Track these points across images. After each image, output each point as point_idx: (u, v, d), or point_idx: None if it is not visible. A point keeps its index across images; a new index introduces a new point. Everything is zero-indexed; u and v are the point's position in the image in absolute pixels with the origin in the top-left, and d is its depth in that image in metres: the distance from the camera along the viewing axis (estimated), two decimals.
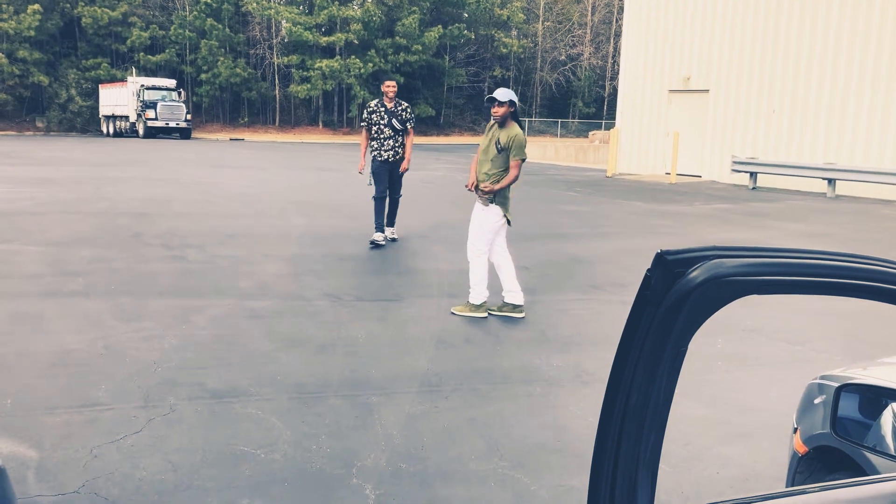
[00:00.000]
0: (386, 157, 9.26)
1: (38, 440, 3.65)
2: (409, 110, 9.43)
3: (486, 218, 6.16)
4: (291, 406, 4.20)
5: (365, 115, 9.39)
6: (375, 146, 9.30)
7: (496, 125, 6.21)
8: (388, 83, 9.34)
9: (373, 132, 9.29)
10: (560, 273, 8.12)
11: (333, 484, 3.34)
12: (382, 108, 9.24)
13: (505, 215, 6.19)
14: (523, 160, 6.14)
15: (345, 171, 21.36)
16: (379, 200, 9.34)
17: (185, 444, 3.67)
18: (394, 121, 9.21)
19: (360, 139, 9.43)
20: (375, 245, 9.20)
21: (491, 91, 55.54)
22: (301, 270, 7.82)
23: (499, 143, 6.08)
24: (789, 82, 19.53)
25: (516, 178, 6.13)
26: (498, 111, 6.09)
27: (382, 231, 9.33)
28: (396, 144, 9.29)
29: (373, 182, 9.39)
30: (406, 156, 9.37)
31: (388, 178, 9.37)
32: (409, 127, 9.37)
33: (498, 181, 6.08)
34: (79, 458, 3.48)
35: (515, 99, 6.19)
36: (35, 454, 3.51)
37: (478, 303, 6.16)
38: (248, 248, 8.92)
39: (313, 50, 48.87)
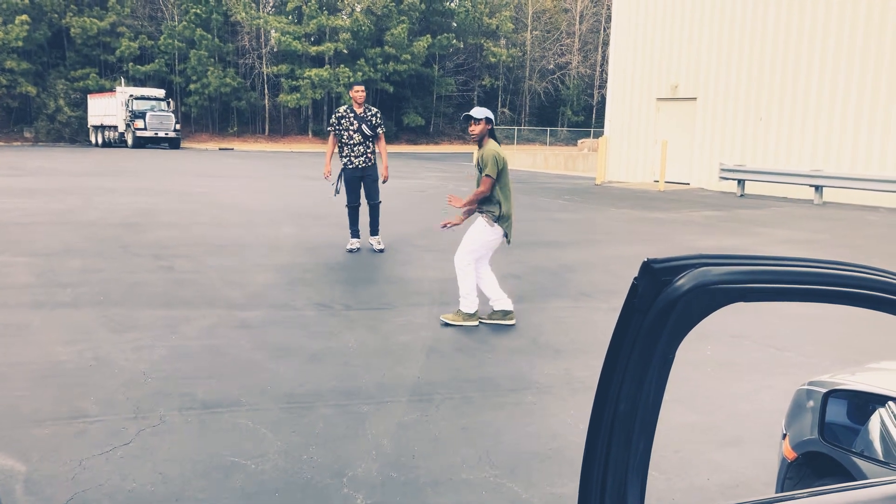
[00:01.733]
0: (357, 163, 9.17)
1: (27, 452, 3.63)
2: (378, 116, 9.32)
3: (484, 232, 6.10)
4: (282, 416, 4.19)
5: (332, 120, 9.24)
6: (346, 153, 9.17)
7: (477, 147, 6.25)
8: (356, 88, 9.15)
9: (343, 138, 9.15)
10: (550, 280, 8.13)
11: (324, 493, 3.33)
12: (352, 114, 9.10)
13: (505, 234, 6.16)
14: (490, 176, 6.01)
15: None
16: (352, 209, 9.41)
17: (175, 456, 3.65)
18: (363, 126, 9.08)
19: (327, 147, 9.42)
20: (351, 251, 9.42)
21: (480, 102, 55.87)
22: (291, 280, 7.80)
23: (479, 164, 6.10)
24: (776, 90, 19.68)
25: (483, 195, 6.05)
26: (474, 129, 6.07)
27: (358, 237, 9.51)
28: (367, 150, 9.19)
29: (340, 190, 9.41)
30: (384, 162, 9.29)
31: (360, 187, 9.33)
32: (379, 133, 9.26)
33: (477, 201, 6.09)
34: (68, 471, 3.46)
35: (492, 115, 6.17)
36: (23, 467, 3.48)
37: (470, 311, 6.14)
38: (238, 258, 8.90)
39: (302, 59, 48.91)
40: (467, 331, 6.03)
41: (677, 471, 3.65)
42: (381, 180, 9.44)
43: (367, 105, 9.24)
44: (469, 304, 6.13)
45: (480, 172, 6.08)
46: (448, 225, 6.33)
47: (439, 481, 3.48)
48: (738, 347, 5.74)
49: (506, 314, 6.20)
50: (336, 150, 9.36)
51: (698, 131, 21.77)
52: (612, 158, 23.98)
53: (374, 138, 9.25)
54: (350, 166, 9.22)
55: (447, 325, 6.14)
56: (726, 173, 19.47)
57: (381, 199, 9.60)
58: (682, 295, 1.01)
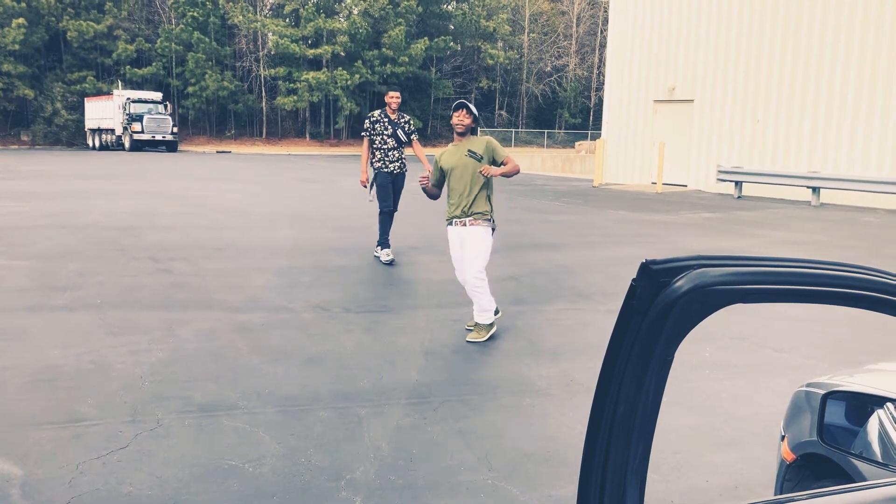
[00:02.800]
0: (391, 168, 9.01)
1: (24, 456, 3.62)
2: (410, 123, 9.24)
3: (486, 238, 5.83)
4: (279, 419, 4.18)
5: (367, 125, 9.06)
6: (379, 157, 8.98)
7: (455, 142, 5.91)
8: (391, 94, 9.01)
9: (376, 143, 8.98)
10: (548, 282, 8.13)
11: (322, 497, 3.32)
12: (386, 119, 8.97)
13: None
14: (510, 157, 5.90)
15: (332, 183, 21.34)
16: (388, 215, 9.06)
17: (172, 459, 3.64)
18: (398, 132, 8.97)
19: (360, 150, 9.23)
20: (390, 263, 8.91)
21: (477, 104, 55.74)
22: (289, 282, 7.79)
23: (472, 153, 5.78)
24: (773, 91, 19.72)
25: (517, 169, 5.87)
26: (466, 120, 5.78)
27: (389, 246, 9.08)
28: (401, 156, 9.08)
29: (375, 197, 9.09)
30: (426, 165, 9.14)
31: (393, 191, 9.12)
32: (413, 139, 9.19)
33: (488, 191, 5.86)
34: (65, 475, 3.44)
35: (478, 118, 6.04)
36: (20, 471, 3.47)
37: (490, 322, 5.89)
38: (236, 261, 8.88)
39: (300, 62, 48.92)
40: (465, 333, 6.02)
41: (676, 472, 3.64)
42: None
43: (399, 112, 9.12)
44: (489, 315, 5.86)
45: (477, 158, 5.77)
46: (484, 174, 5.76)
47: (438, 484, 3.48)
48: (737, 349, 5.74)
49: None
50: (369, 155, 9.13)
51: (695, 133, 21.80)
52: (610, 160, 24.01)
53: (407, 145, 9.16)
54: (385, 170, 9.00)
55: (474, 342, 5.79)
56: (724, 175, 19.50)
57: (397, 207, 9.30)
58: (680, 296, 1.01)
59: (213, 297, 7.08)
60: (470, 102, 6.07)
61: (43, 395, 4.44)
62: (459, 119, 5.81)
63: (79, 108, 44.98)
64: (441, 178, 6.02)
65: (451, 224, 5.93)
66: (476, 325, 5.90)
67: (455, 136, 5.93)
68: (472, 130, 5.92)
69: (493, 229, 5.93)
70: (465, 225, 5.84)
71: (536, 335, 6.07)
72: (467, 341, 5.82)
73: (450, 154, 5.89)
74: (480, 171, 5.68)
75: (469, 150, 5.81)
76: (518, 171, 5.91)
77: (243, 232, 11.24)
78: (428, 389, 4.74)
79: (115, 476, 3.45)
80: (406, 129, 9.10)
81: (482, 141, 5.88)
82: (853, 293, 1.11)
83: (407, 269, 8.80)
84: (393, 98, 9.01)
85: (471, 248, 5.82)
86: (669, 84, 22.51)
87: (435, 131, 55.56)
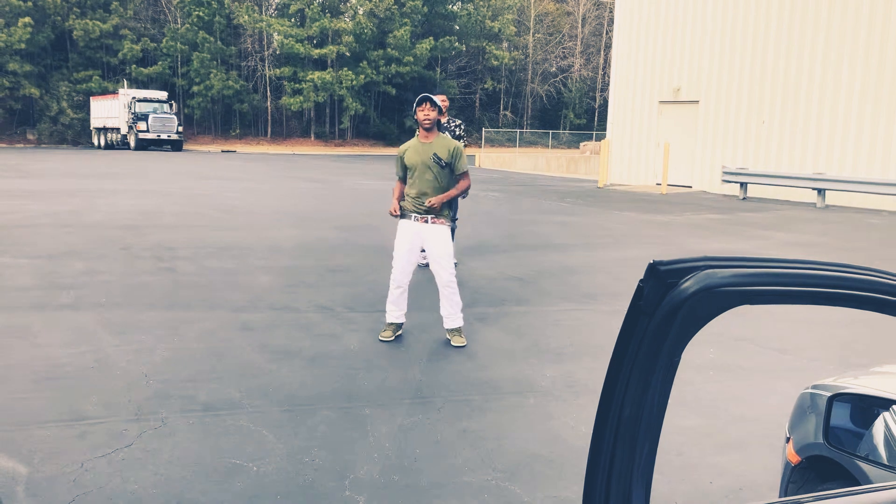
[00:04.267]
0: None
1: (28, 455, 3.62)
2: (462, 126, 9.10)
3: (448, 237, 5.72)
4: (283, 418, 4.18)
5: None
6: None
7: (421, 138, 5.64)
8: (439, 97, 8.49)
9: None
10: (552, 283, 8.12)
11: (326, 496, 3.32)
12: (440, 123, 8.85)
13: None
14: (468, 172, 5.83)
15: (337, 183, 21.36)
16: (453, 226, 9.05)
17: (176, 458, 3.65)
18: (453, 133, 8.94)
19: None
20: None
21: (482, 104, 55.77)
22: (293, 282, 7.80)
23: (438, 159, 5.55)
24: (779, 93, 19.67)
25: (468, 189, 5.80)
26: (431, 115, 5.52)
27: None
28: None
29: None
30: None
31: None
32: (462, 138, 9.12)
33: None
34: (69, 473, 3.45)
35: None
36: (24, 469, 3.48)
37: (462, 322, 5.85)
38: (240, 260, 8.89)
39: (305, 62, 48.97)
40: (469, 334, 6.01)
41: (680, 474, 3.63)
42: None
43: (450, 116, 8.99)
44: (461, 315, 5.79)
45: (441, 165, 5.57)
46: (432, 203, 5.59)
47: (441, 484, 3.47)
48: (741, 350, 5.73)
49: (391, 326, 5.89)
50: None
51: (700, 134, 21.76)
52: (615, 161, 23.98)
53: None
54: None
55: (463, 346, 5.70)
56: (729, 176, 19.46)
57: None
58: (687, 297, 1.00)
59: (218, 296, 7.09)
60: (476, 106, 6.00)
61: (47, 394, 4.45)
62: (426, 114, 5.55)
63: (84, 107, 45.09)
64: (404, 173, 5.76)
65: (406, 218, 5.65)
66: (457, 329, 5.75)
67: (421, 130, 5.66)
68: (438, 123, 5.75)
69: (454, 229, 5.81)
70: (426, 222, 5.62)
71: (541, 335, 6.06)
72: (453, 345, 5.69)
73: (414, 151, 5.65)
74: (427, 203, 5.52)
75: (435, 155, 5.56)
76: (468, 188, 5.80)
77: (247, 231, 11.25)
78: (432, 389, 4.74)
79: (119, 474, 3.45)
80: (456, 133, 8.96)
81: (450, 144, 5.64)
82: (859, 295, 1.10)
83: None
84: (441, 102, 8.84)
85: (439, 249, 5.64)
86: (674, 85, 22.47)
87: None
